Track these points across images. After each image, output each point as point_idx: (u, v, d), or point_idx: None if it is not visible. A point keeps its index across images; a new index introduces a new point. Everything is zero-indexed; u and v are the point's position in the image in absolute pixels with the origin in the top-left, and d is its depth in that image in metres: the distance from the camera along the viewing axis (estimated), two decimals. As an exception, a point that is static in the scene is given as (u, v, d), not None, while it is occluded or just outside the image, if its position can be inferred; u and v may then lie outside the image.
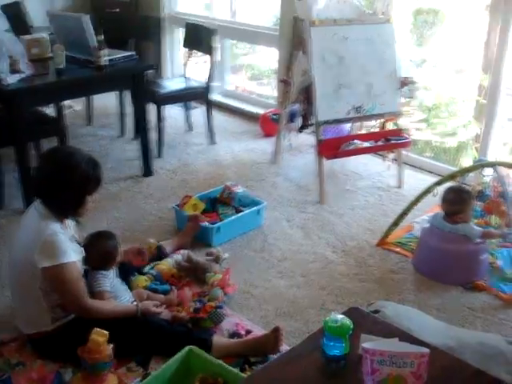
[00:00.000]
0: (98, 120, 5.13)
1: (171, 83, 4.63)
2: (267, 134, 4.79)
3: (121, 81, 3.86)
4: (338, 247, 3.33)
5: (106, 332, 2.24)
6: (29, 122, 3.52)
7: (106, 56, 3.66)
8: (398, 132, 3.90)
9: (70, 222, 2.56)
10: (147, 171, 4.14)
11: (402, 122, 4.02)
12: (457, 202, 3.00)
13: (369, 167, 4.31)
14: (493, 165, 3.10)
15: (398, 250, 3.30)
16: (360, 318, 2.09)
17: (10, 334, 2.54)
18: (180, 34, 5.84)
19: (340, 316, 1.89)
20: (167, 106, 5.00)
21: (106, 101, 5.11)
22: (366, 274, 3.09)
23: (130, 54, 3.92)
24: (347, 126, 4.40)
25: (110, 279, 2.58)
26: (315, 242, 3.37)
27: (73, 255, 2.32)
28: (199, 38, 4.49)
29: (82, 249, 2.49)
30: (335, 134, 4.36)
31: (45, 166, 2.37)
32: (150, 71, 4.85)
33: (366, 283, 3.02)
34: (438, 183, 3.18)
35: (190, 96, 4.64)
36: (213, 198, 3.57)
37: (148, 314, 2.54)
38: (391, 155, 4.06)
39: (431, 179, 3.65)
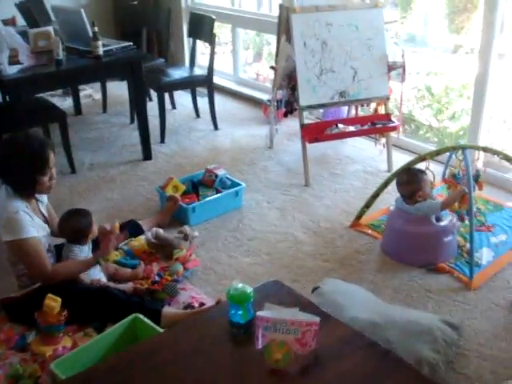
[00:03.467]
0: (113, 108, 5.38)
1: (176, 72, 4.79)
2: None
3: (118, 69, 4.06)
4: (311, 228, 3.41)
5: (58, 298, 2.45)
6: (28, 110, 3.78)
7: (101, 47, 3.88)
8: (386, 116, 3.92)
9: (42, 201, 2.79)
10: (146, 155, 4.33)
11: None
12: (410, 181, 3.04)
13: (363, 152, 4.34)
14: (461, 148, 3.09)
15: (369, 231, 3.35)
16: (276, 290, 2.20)
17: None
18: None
19: (241, 285, 2.01)
20: (178, 94, 5.22)
21: (122, 90, 5.33)
22: (330, 255, 3.16)
23: (127, 44, 4.11)
24: (345, 110, 4.46)
25: (84, 253, 2.78)
26: (289, 223, 3.47)
27: (32, 231, 2.52)
28: (200, 26, 4.63)
29: (46, 225, 2.70)
30: (335, 117, 4.44)
31: (1, 149, 2.59)
32: (161, 61, 5.07)
33: (328, 263, 3.09)
34: (408, 165, 3.20)
35: (191, 84, 4.80)
36: (195, 181, 3.71)
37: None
38: (383, 140, 4.08)
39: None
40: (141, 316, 2.47)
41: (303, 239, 3.31)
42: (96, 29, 3.84)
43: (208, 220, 3.50)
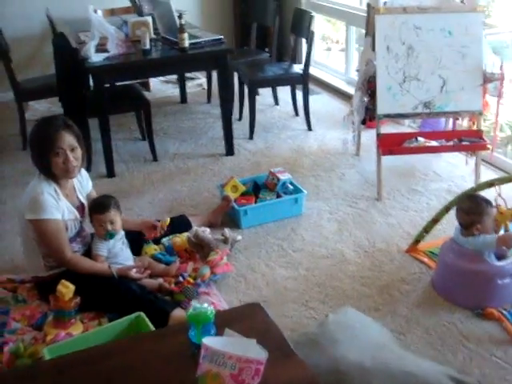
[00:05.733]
0: (217, 99, 5.40)
1: (274, 68, 4.70)
2: (369, 126, 4.63)
3: (203, 62, 4.07)
4: (363, 247, 3.17)
5: (71, 285, 2.52)
6: (114, 97, 3.93)
7: (188, 39, 3.91)
8: (476, 133, 3.51)
9: (82, 187, 2.88)
10: (228, 151, 4.32)
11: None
12: (471, 210, 2.66)
13: (454, 169, 3.93)
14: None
15: (425, 259, 3.03)
16: (252, 315, 2.06)
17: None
18: (317, 20, 5.85)
19: (205, 305, 1.91)
20: (284, 90, 5.12)
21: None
22: (373, 279, 2.91)
23: (218, 37, 4.10)
24: (443, 123, 4.08)
25: (106, 245, 2.83)
26: (343, 239, 3.25)
27: (54, 213, 2.61)
28: (301, 22, 4.49)
29: (75, 210, 2.78)
30: (432, 129, 4.10)
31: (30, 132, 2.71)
32: (266, 55, 5.01)
33: (366, 288, 2.85)
34: (474, 190, 2.84)
35: (285, 81, 4.68)
36: (259, 183, 3.62)
37: (126, 278, 2.75)
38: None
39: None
40: (143, 315, 2.46)
41: (350, 258, 3.08)
42: (183, 21, 3.87)
43: (262, 224, 3.40)
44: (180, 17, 3.86)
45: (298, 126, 4.81)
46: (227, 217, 3.46)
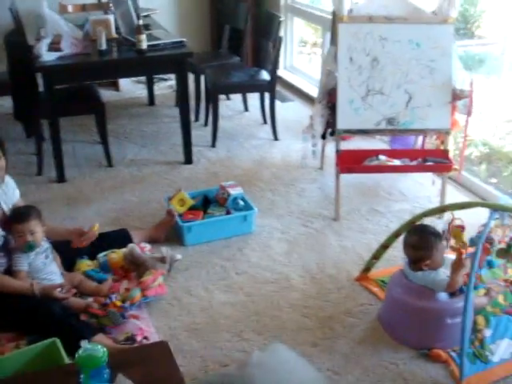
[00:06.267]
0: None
1: (240, 73, 4.47)
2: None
3: (162, 66, 3.84)
4: (311, 272, 2.95)
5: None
6: (66, 98, 3.70)
7: (145, 41, 3.68)
8: (441, 153, 3.29)
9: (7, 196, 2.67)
10: (187, 159, 4.09)
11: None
12: (419, 245, 2.43)
13: (421, 189, 3.70)
14: (495, 208, 2.43)
15: (375, 289, 2.80)
16: (156, 355, 1.84)
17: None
18: (295, 23, 5.64)
19: (99, 347, 1.70)
20: (253, 96, 4.89)
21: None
22: (316, 309, 2.69)
23: (179, 40, 3.87)
24: (412, 141, 3.85)
25: (26, 258, 2.60)
26: (290, 261, 3.03)
27: None
28: (269, 26, 4.26)
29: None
30: (403, 146, 3.89)
31: None
32: (236, 59, 4.78)
33: (307, 319, 2.63)
34: (423, 215, 2.62)
35: (251, 88, 4.46)
36: (210, 197, 3.40)
37: (49, 297, 2.53)
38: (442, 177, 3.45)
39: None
40: (58, 342, 2.23)
41: (295, 284, 2.86)
42: (141, 22, 3.65)
43: (208, 242, 3.18)
44: (138, 17, 3.64)
45: (264, 135, 4.58)
46: (173, 232, 3.24)
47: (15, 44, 3.71)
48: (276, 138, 4.47)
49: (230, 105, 5.15)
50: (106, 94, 5.49)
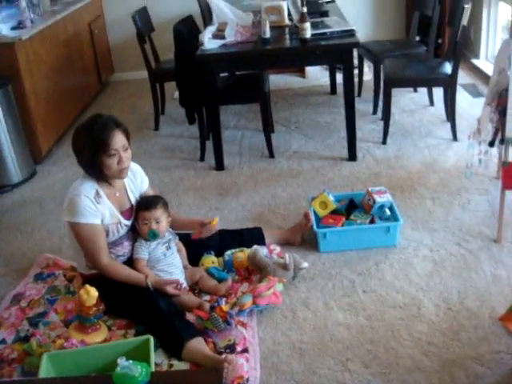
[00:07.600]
0: (368, 93, 4.85)
1: (419, 65, 4.03)
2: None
3: (325, 56, 3.62)
4: (449, 302, 2.56)
5: (93, 291, 2.43)
6: (230, 86, 3.69)
7: (309, 29, 3.51)
8: None
9: (135, 187, 2.75)
10: (350, 156, 3.86)
11: None
12: None
13: None
14: None
15: (520, 335, 2.35)
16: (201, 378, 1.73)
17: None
18: (500, 8, 4.96)
19: (138, 366, 1.65)
20: (440, 90, 4.44)
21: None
22: (439, 348, 2.32)
23: (349, 28, 3.63)
24: None
25: (147, 247, 2.67)
26: (429, 286, 2.67)
27: (89, 217, 2.50)
28: (454, 13, 3.76)
29: (118, 214, 2.63)
30: None
31: (74, 131, 2.58)
32: (423, 49, 4.38)
33: (426, 358, 2.28)
34: None
35: (426, 82, 4.02)
36: (356, 201, 3.14)
37: (161, 291, 2.57)
38: None
39: None
40: (151, 340, 2.27)
41: (425, 314, 2.51)
42: (305, 9, 3.48)
43: (344, 251, 2.95)
44: (302, 4, 3.48)
45: (443, 134, 4.11)
46: (312, 236, 3.06)
47: (181, 32, 3.79)
48: (455, 139, 3.99)
49: (414, 97, 4.75)
50: (292, 81, 5.48)
